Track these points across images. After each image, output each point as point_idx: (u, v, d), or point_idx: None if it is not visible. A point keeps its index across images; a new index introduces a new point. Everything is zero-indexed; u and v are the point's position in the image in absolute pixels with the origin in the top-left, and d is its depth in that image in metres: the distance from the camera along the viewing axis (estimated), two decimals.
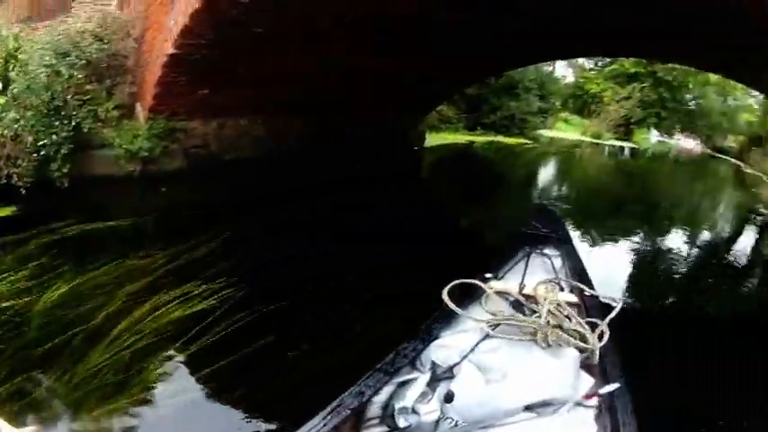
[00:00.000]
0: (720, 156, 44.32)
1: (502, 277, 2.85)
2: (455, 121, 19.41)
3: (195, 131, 6.85)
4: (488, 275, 2.75)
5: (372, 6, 5.31)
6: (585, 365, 2.07)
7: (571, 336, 2.06)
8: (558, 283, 2.67)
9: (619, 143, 33.24)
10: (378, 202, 7.69)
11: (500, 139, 20.50)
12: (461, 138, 18.78)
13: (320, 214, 6.77)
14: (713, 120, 44.24)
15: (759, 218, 14.20)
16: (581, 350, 2.06)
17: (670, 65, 39.09)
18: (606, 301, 2.56)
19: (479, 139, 19.50)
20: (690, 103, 43.74)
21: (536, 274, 2.79)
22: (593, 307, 2.54)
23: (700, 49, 7.41)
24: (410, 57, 7.80)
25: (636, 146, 35.28)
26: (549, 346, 1.98)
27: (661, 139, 49.77)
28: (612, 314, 2.31)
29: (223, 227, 5.42)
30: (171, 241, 5.02)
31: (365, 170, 8.95)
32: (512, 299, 2.48)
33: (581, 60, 46.00)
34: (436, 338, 2.16)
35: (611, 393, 1.87)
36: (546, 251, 3.12)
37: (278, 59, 6.25)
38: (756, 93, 41.32)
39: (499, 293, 2.49)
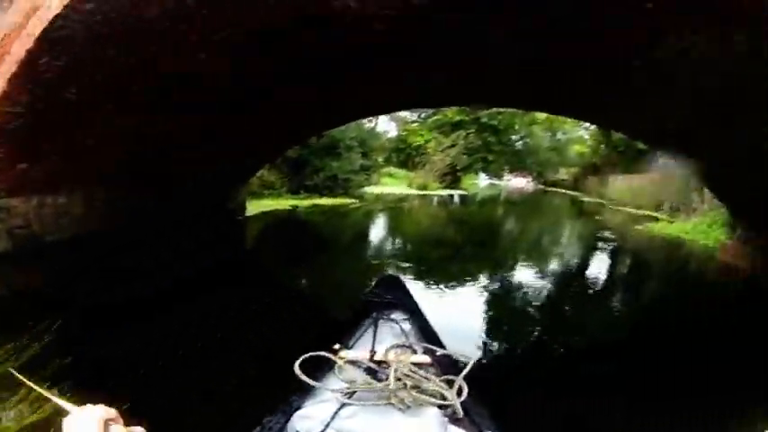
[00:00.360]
0: (554, 189, 46.52)
1: (352, 346, 2.79)
2: (278, 186, 18.33)
3: (17, 210, 6.29)
4: (337, 346, 2.57)
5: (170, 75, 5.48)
6: (453, 420, 2.02)
7: (429, 395, 2.04)
8: (410, 347, 2.62)
9: (447, 192, 31.62)
10: (205, 282, 7.27)
11: (324, 201, 18.96)
12: (284, 203, 17.08)
13: (146, 297, 6.11)
14: (542, 156, 45.66)
15: (607, 243, 14.40)
16: (442, 407, 2.03)
17: (494, 109, 40.81)
18: (460, 357, 2.56)
19: (303, 202, 17.88)
20: (517, 144, 44.99)
21: (386, 340, 2.78)
22: (447, 365, 2.51)
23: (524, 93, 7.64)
24: (227, 117, 7.63)
25: (465, 192, 33.96)
26: (407, 407, 1.98)
27: (490, 181, 51.31)
28: (467, 368, 2.29)
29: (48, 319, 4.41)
30: None
31: (187, 247, 8.51)
32: (364, 366, 2.40)
33: (403, 114, 45.74)
34: (297, 409, 2.16)
35: None
36: (393, 316, 3.12)
37: (92, 128, 6.07)
38: (588, 124, 45.17)
39: (351, 363, 2.39)
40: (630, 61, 4.85)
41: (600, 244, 14.05)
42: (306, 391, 2.24)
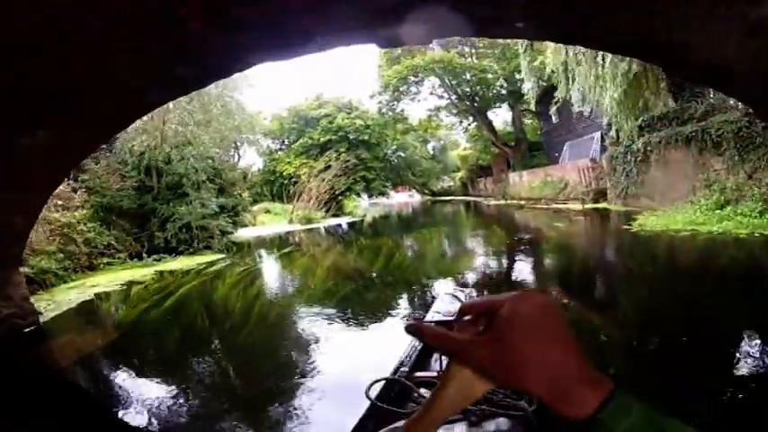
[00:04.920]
0: (443, 198, 44.29)
1: (420, 366, 2.72)
2: (120, 249, 12.39)
3: None
4: (405, 368, 2.62)
5: None
6: (528, 429, 2.02)
7: (500, 407, 2.05)
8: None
9: (335, 221, 26.63)
10: None
11: (175, 265, 12.05)
12: (120, 276, 10.50)
13: None
14: (423, 166, 43.10)
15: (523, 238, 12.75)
16: (514, 417, 2.04)
17: (360, 122, 37.20)
18: None
19: (145, 272, 10.93)
20: (392, 158, 41.90)
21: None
22: None
23: None
24: None
25: (353, 217, 29.21)
26: (480, 421, 2.00)
27: (374, 201, 48.08)
28: None
29: None
30: None
31: None
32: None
33: (265, 143, 40.36)
34: None
35: None
36: None
37: None
38: (460, 128, 43.93)
39: (420, 383, 2.39)
40: None
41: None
42: (375, 416, 2.14)
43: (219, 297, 7.81)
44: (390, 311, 6.31)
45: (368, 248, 14.32)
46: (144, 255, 12.53)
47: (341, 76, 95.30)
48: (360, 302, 7.06)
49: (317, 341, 5.06)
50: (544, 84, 16.13)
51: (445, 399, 0.55)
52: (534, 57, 14.19)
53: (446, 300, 3.71)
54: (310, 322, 5.90)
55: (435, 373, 2.46)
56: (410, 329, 0.54)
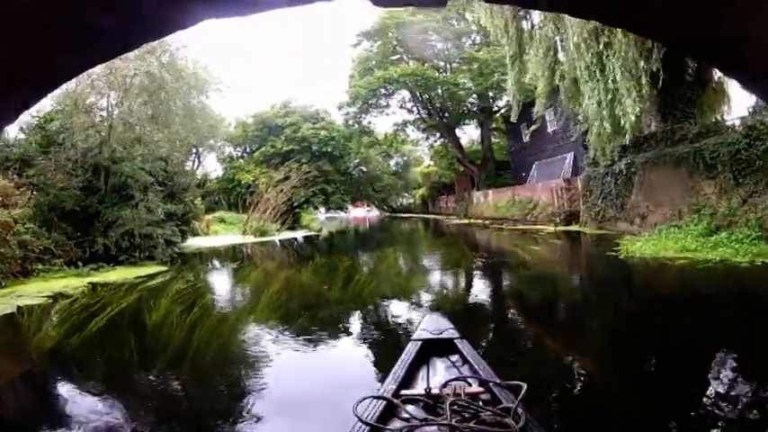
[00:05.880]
0: (402, 215, 43.67)
1: (407, 385, 2.73)
2: (59, 254, 11.03)
3: None
4: (392, 386, 2.60)
5: None
6: None
7: (488, 425, 2.07)
8: (464, 379, 2.71)
9: (290, 234, 25.56)
10: None
11: (111, 275, 10.69)
12: (45, 286, 9.09)
13: None
14: (385, 182, 42.44)
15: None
16: None
17: (324, 133, 36.23)
18: (513, 383, 2.45)
19: (76, 282, 9.66)
20: (353, 172, 41.09)
21: (439, 375, 2.87)
22: (502, 394, 2.47)
23: None
24: None
25: (309, 231, 28.24)
26: None
27: (330, 215, 47.11)
28: (521, 394, 2.31)
29: None
30: None
31: None
32: (421, 403, 2.45)
33: (227, 150, 38.72)
34: None
35: None
36: (443, 351, 3.17)
37: None
38: (425, 144, 43.48)
39: (408, 401, 2.44)
40: None
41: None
42: None
43: (154, 321, 6.49)
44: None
45: (324, 266, 13.15)
46: (80, 263, 11.13)
47: (312, 83, 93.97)
48: (315, 326, 6.21)
49: (261, 388, 4.10)
50: (520, 100, 15.71)
51: None
52: (522, 69, 13.76)
53: (433, 318, 3.72)
54: (256, 361, 4.86)
55: (423, 391, 2.48)
56: None
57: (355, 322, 6.64)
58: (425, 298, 8.04)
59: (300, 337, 5.66)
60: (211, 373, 4.53)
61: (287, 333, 5.90)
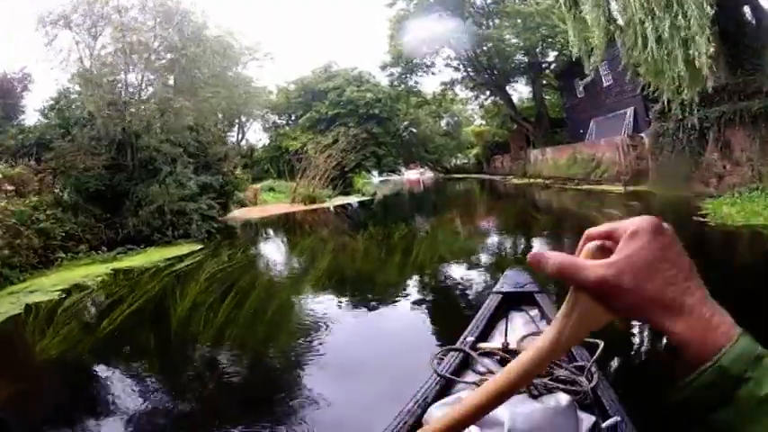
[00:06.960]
0: (456, 176, 42.12)
1: (485, 338, 2.72)
2: (89, 239, 10.50)
3: None
4: (471, 338, 2.57)
5: None
6: (584, 406, 1.99)
7: (560, 382, 2.03)
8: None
9: (344, 200, 24.91)
10: None
11: (136, 261, 9.80)
12: (66, 276, 8.51)
13: None
14: (437, 143, 40.91)
15: None
16: (574, 393, 2.00)
17: (370, 95, 35.03)
18: (590, 341, 2.28)
19: (99, 270, 8.95)
20: (404, 133, 39.73)
21: (517, 330, 2.79)
22: (577, 351, 2.39)
23: None
24: None
25: (362, 196, 27.36)
26: (540, 394, 1.94)
27: (384, 178, 46.15)
28: (597, 354, 2.22)
29: None
30: None
31: None
32: (497, 357, 2.42)
33: (271, 119, 38.53)
34: (431, 404, 2.04)
35: (612, 427, 1.92)
36: (523, 306, 3.11)
37: None
38: (475, 103, 41.68)
39: (484, 354, 2.41)
40: None
41: None
42: (439, 386, 2.19)
43: (178, 313, 5.88)
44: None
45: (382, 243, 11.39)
46: (105, 248, 10.57)
47: (350, 46, 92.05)
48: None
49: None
50: (588, 50, 13.92)
51: (568, 328, 0.56)
52: (578, 18, 12.04)
53: (514, 273, 3.62)
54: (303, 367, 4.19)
55: (500, 345, 2.45)
56: (533, 260, 0.54)
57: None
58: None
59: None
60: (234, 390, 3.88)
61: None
